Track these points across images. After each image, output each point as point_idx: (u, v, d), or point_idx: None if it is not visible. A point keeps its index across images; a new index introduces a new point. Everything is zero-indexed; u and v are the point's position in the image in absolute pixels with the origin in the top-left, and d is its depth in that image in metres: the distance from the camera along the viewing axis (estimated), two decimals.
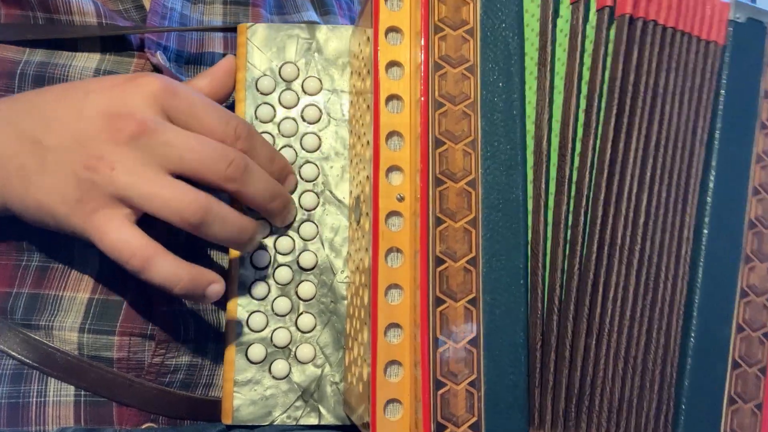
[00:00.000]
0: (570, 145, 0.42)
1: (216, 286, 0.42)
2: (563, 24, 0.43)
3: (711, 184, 0.43)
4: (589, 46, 0.43)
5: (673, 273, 0.43)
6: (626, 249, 0.42)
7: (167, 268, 0.40)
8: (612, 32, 0.43)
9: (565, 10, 0.43)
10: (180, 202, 0.39)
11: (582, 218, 0.42)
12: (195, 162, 0.40)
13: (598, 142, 0.42)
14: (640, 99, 0.42)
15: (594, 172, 0.42)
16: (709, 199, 0.43)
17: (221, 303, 0.48)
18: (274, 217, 0.46)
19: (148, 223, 0.41)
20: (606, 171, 0.42)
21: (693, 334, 0.42)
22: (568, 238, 0.42)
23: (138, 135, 0.39)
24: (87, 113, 0.40)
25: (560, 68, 0.43)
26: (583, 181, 0.42)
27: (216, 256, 0.50)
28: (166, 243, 0.41)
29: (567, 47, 0.43)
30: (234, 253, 0.47)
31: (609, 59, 0.43)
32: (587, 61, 0.43)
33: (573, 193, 0.42)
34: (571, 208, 0.42)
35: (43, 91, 0.44)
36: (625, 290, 0.42)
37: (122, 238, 0.39)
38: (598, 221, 0.42)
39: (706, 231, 0.43)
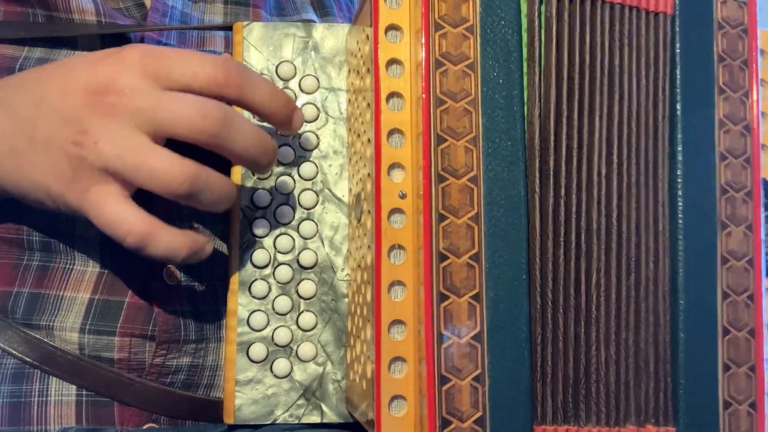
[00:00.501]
0: (552, 138, 0.42)
1: (209, 246, 0.42)
2: (543, 20, 0.43)
3: (679, 156, 0.43)
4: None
5: (653, 250, 0.43)
6: (603, 232, 0.42)
7: (166, 242, 0.40)
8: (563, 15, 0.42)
9: (543, 6, 0.43)
10: (166, 173, 0.39)
11: (562, 209, 0.42)
12: (171, 121, 0.39)
13: (564, 128, 0.42)
14: (597, 80, 0.42)
15: (565, 160, 0.42)
16: (679, 172, 0.43)
17: (222, 302, 0.48)
18: (260, 170, 0.45)
19: (149, 199, 0.40)
20: (575, 157, 0.42)
21: (681, 308, 0.43)
22: (552, 229, 0.42)
23: (117, 105, 0.39)
24: (70, 90, 0.40)
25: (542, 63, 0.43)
26: (560, 172, 0.42)
27: (217, 244, 0.50)
28: (166, 221, 0.41)
29: (544, 39, 0.43)
30: (234, 252, 0.47)
31: (566, 44, 0.43)
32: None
33: (554, 185, 0.42)
34: (553, 200, 0.42)
35: (33, 69, 0.44)
36: (607, 274, 0.42)
37: (119, 215, 0.39)
38: (573, 209, 0.42)
39: (680, 203, 0.43)
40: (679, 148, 0.44)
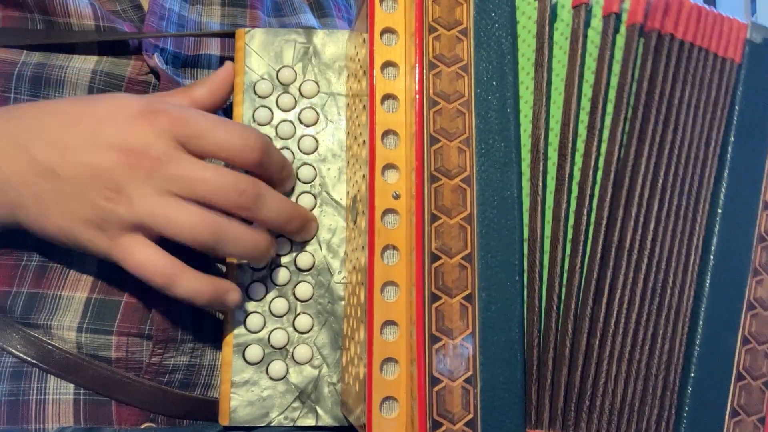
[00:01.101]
0: (570, 145, 0.42)
1: (234, 295, 0.45)
2: (564, 27, 0.44)
3: (722, 196, 0.44)
4: (594, 51, 0.44)
5: (680, 280, 0.43)
6: (635, 252, 0.42)
7: (190, 285, 0.42)
8: (620, 39, 0.43)
9: (566, 14, 0.44)
10: (193, 227, 0.41)
11: (585, 217, 0.42)
12: (207, 193, 0.42)
13: (604, 144, 0.43)
14: (654, 108, 0.43)
15: (599, 173, 0.42)
16: (719, 210, 0.44)
17: None
18: (293, 236, 0.47)
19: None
20: (613, 173, 0.42)
21: (698, 343, 0.43)
22: (570, 236, 0.42)
23: (152, 170, 0.41)
24: (101, 145, 0.41)
25: (560, 69, 0.43)
26: (587, 181, 0.42)
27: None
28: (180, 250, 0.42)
29: (567, 50, 0.43)
30: None
31: (617, 66, 0.43)
32: (591, 64, 0.43)
33: (576, 192, 0.42)
34: (573, 207, 0.42)
35: (51, 110, 0.44)
36: (632, 293, 0.42)
37: (147, 260, 0.42)
38: (604, 222, 0.42)
39: (715, 241, 0.43)
40: (723, 188, 0.44)
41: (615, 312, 0.42)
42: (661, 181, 0.43)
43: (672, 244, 0.43)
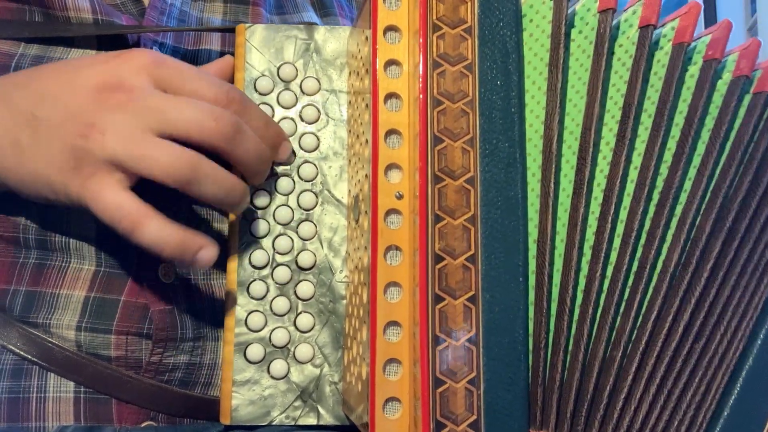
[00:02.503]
0: (592, 149, 0.42)
1: (207, 251, 0.41)
2: (588, 31, 0.43)
3: None
4: (627, 60, 0.43)
5: (732, 331, 0.43)
6: (683, 283, 0.42)
7: (156, 230, 0.40)
8: (663, 56, 0.43)
9: (590, 17, 0.43)
10: (168, 161, 0.39)
11: (609, 226, 0.42)
12: (183, 121, 0.40)
13: (639, 157, 0.42)
14: (719, 141, 0.42)
15: (631, 184, 0.42)
16: None
17: (219, 301, 0.48)
18: (254, 179, 0.45)
19: (150, 192, 0.41)
20: (648, 187, 0.42)
21: (734, 395, 0.43)
22: (591, 242, 0.42)
23: (126, 102, 0.40)
24: (78, 86, 0.41)
25: (582, 73, 0.43)
26: (613, 190, 0.42)
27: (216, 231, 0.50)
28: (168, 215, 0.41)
29: (591, 54, 0.43)
30: (232, 253, 0.47)
31: (658, 81, 0.43)
32: (624, 73, 0.43)
33: (600, 199, 0.42)
34: (596, 213, 0.42)
35: (38, 67, 0.45)
36: (674, 321, 0.42)
37: (115, 201, 0.40)
38: (633, 234, 0.42)
39: None
40: None
41: (648, 331, 0.41)
42: (728, 224, 0.42)
43: (732, 294, 0.43)
